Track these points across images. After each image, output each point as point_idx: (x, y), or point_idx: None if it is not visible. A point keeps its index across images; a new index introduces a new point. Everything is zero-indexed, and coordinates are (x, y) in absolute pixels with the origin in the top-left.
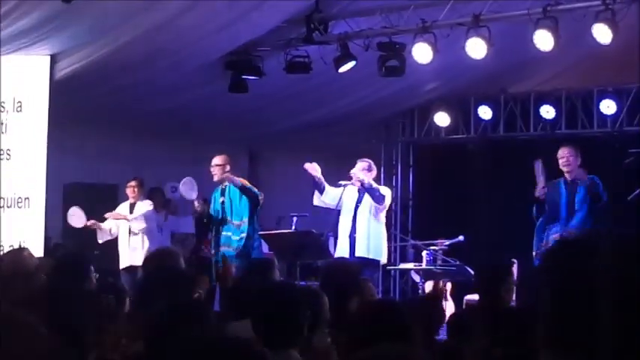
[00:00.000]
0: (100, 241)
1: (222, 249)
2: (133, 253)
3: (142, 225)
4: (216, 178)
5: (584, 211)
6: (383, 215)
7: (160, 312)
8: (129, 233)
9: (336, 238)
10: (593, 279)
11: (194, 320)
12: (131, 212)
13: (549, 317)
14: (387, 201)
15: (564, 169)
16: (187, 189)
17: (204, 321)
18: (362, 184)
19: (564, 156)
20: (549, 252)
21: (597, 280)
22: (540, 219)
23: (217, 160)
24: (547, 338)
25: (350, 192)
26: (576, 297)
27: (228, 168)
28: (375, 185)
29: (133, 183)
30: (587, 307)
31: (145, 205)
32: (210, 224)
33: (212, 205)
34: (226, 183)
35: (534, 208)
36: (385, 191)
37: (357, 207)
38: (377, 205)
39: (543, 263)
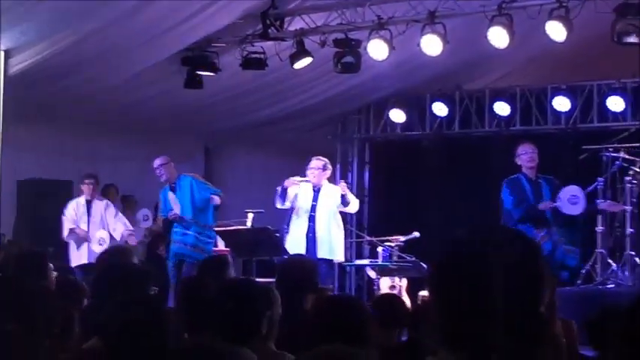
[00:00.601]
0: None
1: (177, 246)
2: (82, 251)
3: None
4: (164, 178)
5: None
6: (339, 214)
7: (113, 308)
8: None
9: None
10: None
11: (147, 317)
12: (88, 209)
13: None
14: (353, 208)
15: (529, 164)
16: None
17: (158, 318)
18: (343, 198)
19: (529, 152)
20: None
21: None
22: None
23: (160, 160)
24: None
25: (305, 191)
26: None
27: (172, 165)
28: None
29: (89, 180)
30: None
31: (110, 207)
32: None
33: (162, 205)
34: (175, 180)
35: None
36: (354, 201)
37: (313, 207)
38: (342, 205)
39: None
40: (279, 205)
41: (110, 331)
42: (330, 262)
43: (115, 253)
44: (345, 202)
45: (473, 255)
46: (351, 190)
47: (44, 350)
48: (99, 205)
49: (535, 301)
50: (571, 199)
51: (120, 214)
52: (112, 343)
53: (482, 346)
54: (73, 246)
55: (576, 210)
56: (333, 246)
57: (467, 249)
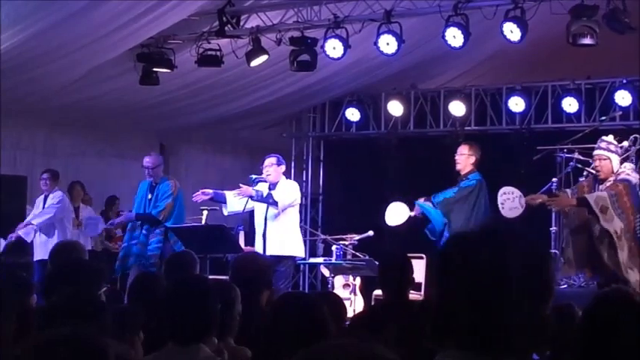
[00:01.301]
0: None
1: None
2: (43, 245)
3: (41, 219)
4: (151, 179)
5: None
6: (293, 211)
7: (51, 304)
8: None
9: (246, 233)
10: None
11: (83, 313)
12: (44, 204)
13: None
14: (290, 198)
15: (456, 167)
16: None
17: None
18: (251, 198)
19: (456, 153)
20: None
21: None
22: None
23: (153, 161)
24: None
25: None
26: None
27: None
28: (266, 193)
29: (45, 175)
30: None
31: (54, 198)
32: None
33: (137, 197)
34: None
35: None
36: (289, 189)
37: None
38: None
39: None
40: (225, 212)
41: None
42: (283, 258)
43: (66, 249)
44: (267, 202)
45: (484, 251)
46: (306, 189)
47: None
48: (50, 198)
49: (542, 304)
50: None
51: (51, 206)
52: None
53: (487, 343)
54: (36, 240)
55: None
56: (284, 241)
57: (478, 245)
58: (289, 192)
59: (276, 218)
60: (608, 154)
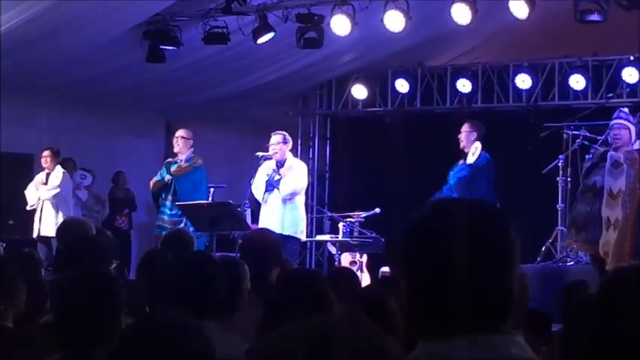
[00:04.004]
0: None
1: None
2: (45, 222)
3: (52, 193)
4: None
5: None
6: (301, 193)
7: (65, 281)
8: (42, 202)
9: (252, 211)
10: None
11: (100, 291)
12: (46, 182)
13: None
14: (299, 185)
15: (460, 144)
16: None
17: (110, 291)
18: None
19: (459, 131)
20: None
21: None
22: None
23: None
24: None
25: (268, 169)
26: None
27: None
28: (276, 178)
29: (46, 153)
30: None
31: (57, 175)
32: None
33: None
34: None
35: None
36: (298, 176)
37: (278, 181)
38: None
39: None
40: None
41: (62, 305)
42: (286, 237)
43: (74, 226)
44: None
45: (440, 228)
46: (313, 166)
47: None
48: (53, 176)
49: (506, 272)
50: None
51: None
52: (63, 319)
53: (449, 324)
54: (36, 218)
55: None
56: (285, 221)
57: (433, 223)
58: (297, 179)
59: (283, 199)
60: (628, 124)
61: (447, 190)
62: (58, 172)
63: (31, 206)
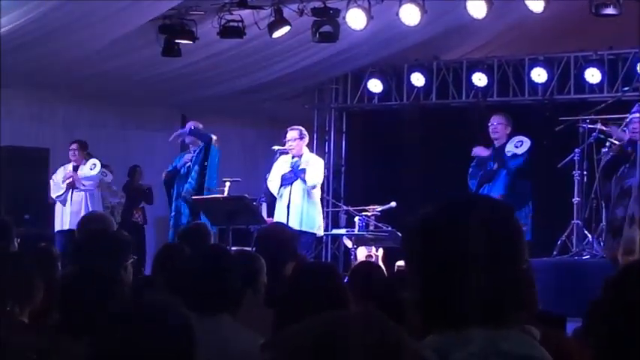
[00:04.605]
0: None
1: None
2: (75, 215)
3: (94, 172)
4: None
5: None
6: (317, 187)
7: (67, 276)
8: (70, 194)
9: (268, 205)
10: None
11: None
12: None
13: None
14: (317, 178)
15: (492, 136)
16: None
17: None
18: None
19: (492, 124)
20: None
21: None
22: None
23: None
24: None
25: (285, 163)
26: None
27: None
28: (302, 166)
29: (74, 146)
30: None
31: (93, 162)
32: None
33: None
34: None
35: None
36: (317, 170)
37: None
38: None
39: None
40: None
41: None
42: (303, 233)
43: (95, 219)
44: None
45: (449, 224)
46: (329, 160)
47: (3, 313)
48: (83, 169)
49: (514, 263)
50: (517, 144)
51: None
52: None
53: (461, 317)
54: (57, 212)
55: (520, 150)
56: (303, 217)
57: (440, 220)
58: (317, 173)
59: (302, 192)
60: None
61: (503, 176)
62: (94, 163)
63: (57, 196)
